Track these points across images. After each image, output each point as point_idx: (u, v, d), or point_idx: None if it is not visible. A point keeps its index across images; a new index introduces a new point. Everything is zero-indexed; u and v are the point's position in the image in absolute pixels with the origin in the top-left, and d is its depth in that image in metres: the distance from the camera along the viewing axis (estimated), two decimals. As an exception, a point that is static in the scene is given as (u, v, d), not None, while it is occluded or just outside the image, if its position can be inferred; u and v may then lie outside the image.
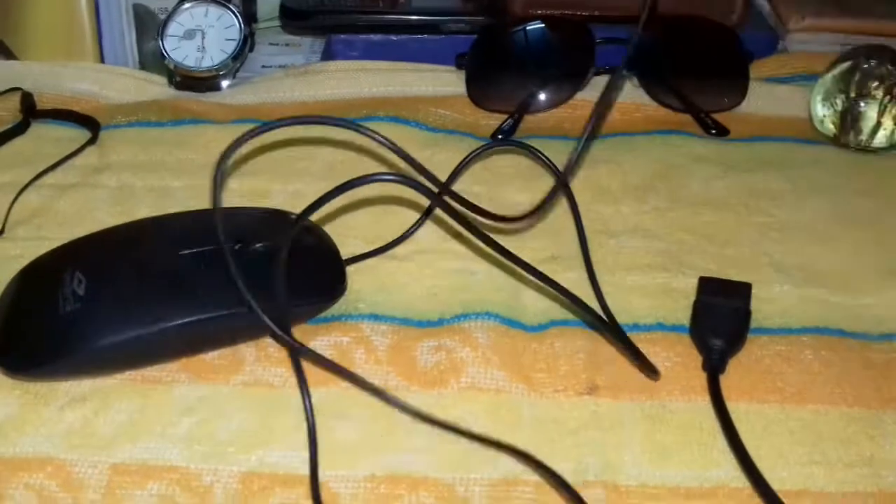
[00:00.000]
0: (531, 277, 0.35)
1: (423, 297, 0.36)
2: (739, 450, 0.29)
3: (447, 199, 0.31)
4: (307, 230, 0.36)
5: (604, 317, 0.34)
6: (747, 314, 0.34)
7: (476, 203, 0.41)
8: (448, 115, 0.48)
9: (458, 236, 0.39)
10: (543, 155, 0.40)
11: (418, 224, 0.39)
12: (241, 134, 0.17)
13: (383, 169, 0.43)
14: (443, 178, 0.41)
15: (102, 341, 0.30)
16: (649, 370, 0.32)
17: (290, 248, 0.31)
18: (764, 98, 0.49)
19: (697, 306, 0.34)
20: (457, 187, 0.42)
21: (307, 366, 0.32)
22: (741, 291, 0.34)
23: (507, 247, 0.38)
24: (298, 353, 0.15)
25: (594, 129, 0.29)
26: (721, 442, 0.30)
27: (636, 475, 0.29)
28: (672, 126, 0.47)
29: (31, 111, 0.47)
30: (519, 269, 0.32)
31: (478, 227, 0.31)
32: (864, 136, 0.46)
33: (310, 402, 0.30)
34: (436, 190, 0.30)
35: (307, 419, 0.30)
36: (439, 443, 0.30)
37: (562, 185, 0.27)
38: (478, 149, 0.41)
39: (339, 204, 0.40)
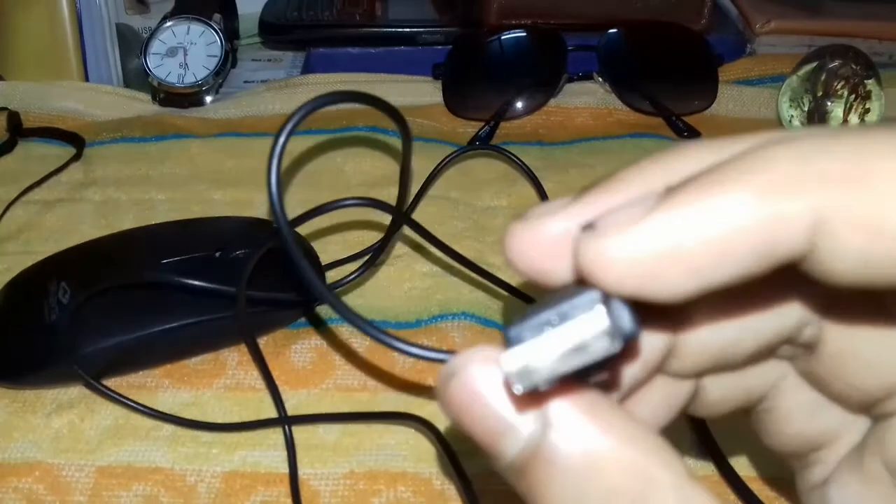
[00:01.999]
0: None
1: (400, 300, 0.37)
2: (705, 436, 0.30)
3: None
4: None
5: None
6: None
7: (453, 208, 0.42)
8: (426, 124, 0.49)
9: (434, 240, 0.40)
10: (516, 157, 0.41)
11: (384, 241, 0.40)
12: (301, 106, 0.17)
13: (361, 178, 0.45)
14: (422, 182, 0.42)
15: (87, 349, 0.31)
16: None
17: (267, 254, 0.32)
18: (733, 100, 0.50)
19: None
20: (434, 192, 0.43)
21: (287, 367, 0.33)
22: None
23: (483, 250, 0.40)
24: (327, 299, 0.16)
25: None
26: (688, 430, 0.31)
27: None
28: (644, 130, 0.48)
29: (17, 130, 0.48)
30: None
31: (442, 241, 0.32)
32: (831, 135, 0.47)
33: (281, 401, 0.31)
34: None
35: (275, 402, 0.31)
36: (416, 439, 0.31)
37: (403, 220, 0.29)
38: (449, 155, 0.42)
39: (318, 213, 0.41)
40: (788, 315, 0.15)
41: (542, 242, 0.14)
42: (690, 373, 0.16)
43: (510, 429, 0.13)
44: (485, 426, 0.13)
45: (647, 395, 0.16)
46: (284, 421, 0.31)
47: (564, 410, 0.12)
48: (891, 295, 0.14)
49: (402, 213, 0.33)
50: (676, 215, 0.12)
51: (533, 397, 0.13)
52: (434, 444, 0.30)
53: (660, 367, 0.16)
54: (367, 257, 0.37)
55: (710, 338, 0.15)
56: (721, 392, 0.17)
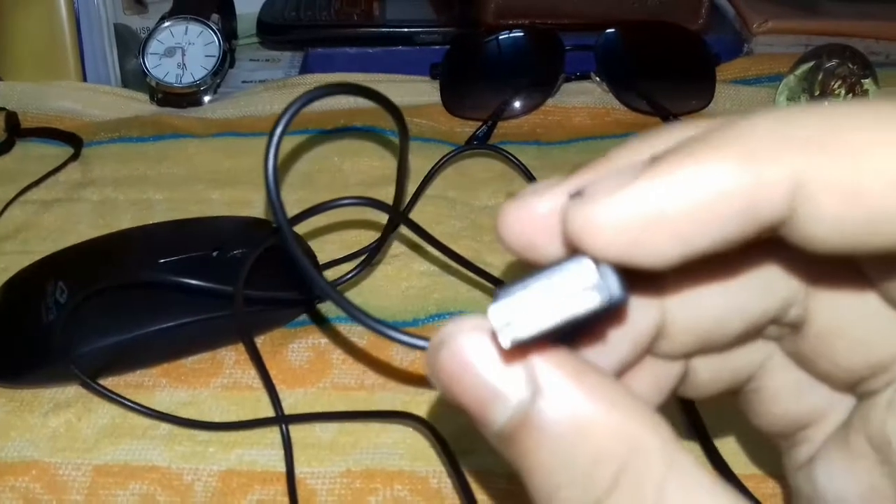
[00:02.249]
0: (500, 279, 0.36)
1: (398, 299, 0.37)
2: (701, 433, 0.30)
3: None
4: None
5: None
6: None
7: (450, 208, 0.42)
8: (424, 123, 0.49)
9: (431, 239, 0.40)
10: (513, 156, 0.41)
11: (381, 241, 0.40)
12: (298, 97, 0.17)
13: (359, 178, 0.45)
14: (420, 182, 0.42)
15: (84, 348, 0.31)
16: None
17: (265, 253, 0.32)
18: (731, 100, 0.50)
19: None
20: (432, 192, 0.43)
21: (284, 366, 0.33)
22: None
23: (480, 249, 0.40)
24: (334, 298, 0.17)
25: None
26: (683, 427, 0.31)
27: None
28: (641, 129, 0.48)
29: (15, 130, 0.48)
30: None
31: (439, 240, 0.32)
32: (828, 134, 0.47)
33: (278, 399, 0.32)
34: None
35: (272, 402, 0.31)
36: (413, 438, 0.31)
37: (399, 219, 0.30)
38: (447, 155, 0.42)
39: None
40: (774, 295, 0.15)
41: (533, 218, 0.14)
42: (679, 353, 0.16)
43: (499, 396, 0.13)
44: (474, 394, 0.13)
45: (637, 376, 0.17)
46: (281, 420, 0.31)
47: (552, 377, 0.13)
48: (869, 264, 0.14)
49: (399, 213, 0.33)
50: (661, 182, 0.12)
51: (521, 357, 0.13)
52: (432, 442, 0.30)
53: (649, 348, 0.16)
54: (364, 256, 0.37)
55: (697, 318, 0.15)
56: (710, 373, 0.17)
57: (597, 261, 0.13)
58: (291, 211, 0.33)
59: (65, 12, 0.51)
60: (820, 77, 0.47)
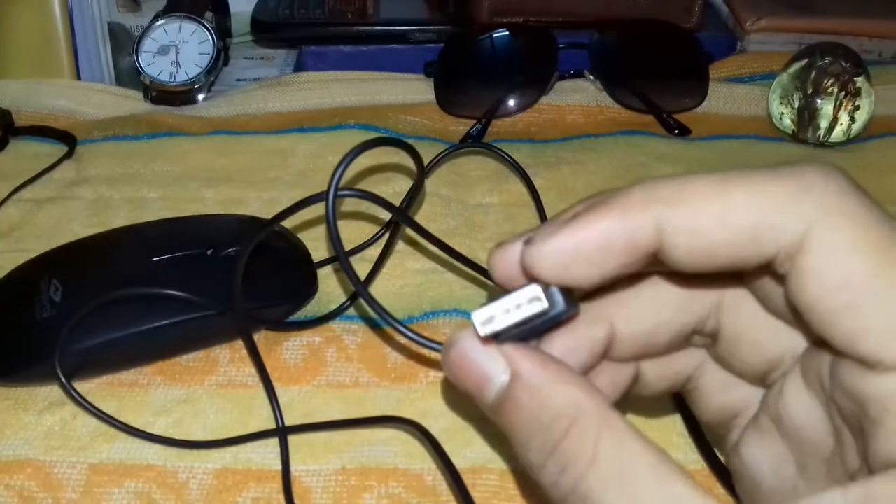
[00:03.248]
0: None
1: (393, 297, 0.37)
2: (696, 432, 0.30)
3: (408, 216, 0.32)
4: (280, 236, 0.37)
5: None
6: None
7: (445, 206, 0.42)
8: (418, 121, 0.49)
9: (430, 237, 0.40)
10: (506, 154, 0.42)
11: (378, 235, 0.40)
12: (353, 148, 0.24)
13: (356, 177, 0.45)
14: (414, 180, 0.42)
15: (78, 346, 0.31)
16: None
17: (260, 251, 0.32)
18: (724, 98, 0.50)
19: None
20: (426, 190, 0.43)
21: (279, 364, 0.33)
22: None
23: (475, 247, 0.40)
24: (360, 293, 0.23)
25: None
26: (679, 425, 0.31)
27: (598, 460, 0.30)
28: (635, 127, 0.48)
29: (9, 128, 0.48)
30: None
31: (437, 237, 0.32)
32: (821, 132, 0.47)
33: (273, 392, 0.32)
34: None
35: (273, 410, 0.31)
36: (408, 435, 0.31)
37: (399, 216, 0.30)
38: (441, 153, 0.43)
39: (311, 211, 0.41)
40: (690, 313, 0.21)
41: (507, 261, 0.20)
42: (627, 357, 0.22)
43: (489, 380, 0.19)
44: (473, 379, 0.19)
45: (599, 376, 0.22)
46: (282, 432, 0.31)
47: (523, 364, 0.19)
48: (750, 283, 0.20)
49: (398, 210, 0.33)
50: (576, 229, 0.18)
51: (496, 345, 0.19)
52: (425, 445, 0.30)
53: (604, 353, 0.22)
54: (380, 257, 0.37)
55: (635, 331, 0.21)
56: (655, 374, 0.23)
57: (546, 284, 0.19)
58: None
59: (58, 10, 0.51)
60: (813, 75, 0.47)
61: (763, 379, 0.21)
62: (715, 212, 0.17)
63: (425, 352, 0.34)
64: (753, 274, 0.19)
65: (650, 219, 0.18)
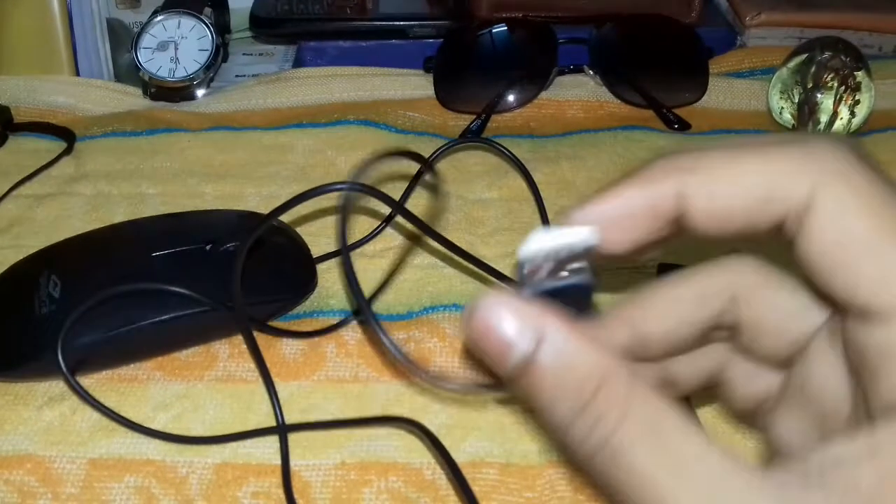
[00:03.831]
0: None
1: (392, 292, 0.37)
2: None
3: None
4: (279, 231, 0.37)
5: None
6: None
7: (445, 200, 0.42)
8: (417, 117, 0.49)
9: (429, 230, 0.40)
10: (505, 149, 0.41)
11: (380, 228, 0.40)
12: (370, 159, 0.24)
13: (352, 171, 0.45)
14: (413, 175, 0.42)
15: (78, 342, 0.31)
16: None
17: (259, 246, 0.32)
18: (724, 92, 0.50)
19: None
20: (426, 185, 0.43)
21: (278, 359, 0.33)
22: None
23: (474, 242, 0.40)
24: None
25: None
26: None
27: (598, 454, 0.30)
28: (635, 122, 0.48)
29: (8, 124, 0.48)
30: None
31: (437, 231, 0.32)
32: (821, 126, 0.47)
33: (274, 389, 0.32)
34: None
35: (274, 409, 0.31)
36: (407, 430, 0.31)
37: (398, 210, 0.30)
38: (440, 148, 0.42)
39: (310, 206, 0.42)
40: (708, 308, 0.22)
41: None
42: (654, 357, 0.23)
43: (511, 346, 0.19)
44: (495, 346, 0.19)
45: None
46: (282, 430, 0.31)
47: (551, 328, 0.19)
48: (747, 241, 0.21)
49: (398, 204, 0.33)
50: (606, 197, 0.20)
51: (528, 309, 0.19)
52: (425, 441, 0.30)
53: (630, 357, 0.23)
54: (361, 247, 0.37)
55: (658, 331, 0.23)
56: (683, 374, 0.24)
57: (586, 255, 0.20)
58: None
59: (57, 7, 0.51)
60: (813, 70, 0.47)
61: (786, 362, 0.22)
62: (730, 177, 0.19)
63: (424, 345, 0.34)
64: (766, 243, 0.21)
65: (671, 186, 0.19)
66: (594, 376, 0.18)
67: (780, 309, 0.22)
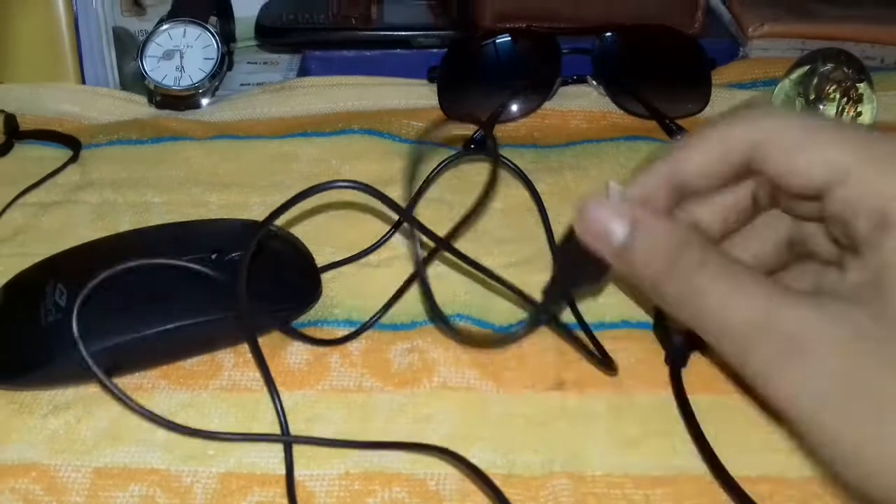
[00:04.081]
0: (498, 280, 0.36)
1: (398, 301, 0.37)
2: (699, 438, 0.30)
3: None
4: (282, 240, 0.37)
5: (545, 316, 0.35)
6: None
7: (449, 211, 0.42)
8: (421, 126, 0.49)
9: (429, 243, 0.40)
10: (510, 161, 0.42)
11: (387, 236, 0.40)
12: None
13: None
14: (417, 185, 0.42)
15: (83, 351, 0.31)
16: (606, 365, 0.33)
17: (259, 253, 0.32)
18: (726, 103, 0.50)
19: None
20: (431, 196, 0.43)
21: (283, 368, 0.33)
22: None
23: (478, 251, 0.40)
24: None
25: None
26: (682, 432, 0.31)
27: (601, 465, 0.30)
28: (638, 132, 0.48)
29: (13, 132, 0.49)
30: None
31: (442, 239, 0.32)
32: (823, 138, 0.47)
33: (280, 401, 0.32)
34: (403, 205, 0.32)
35: (279, 418, 0.31)
36: (412, 439, 0.31)
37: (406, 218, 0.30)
38: (445, 160, 0.43)
39: (314, 215, 0.42)
40: (734, 157, 0.26)
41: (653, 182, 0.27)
42: (700, 193, 0.27)
43: (611, 232, 0.25)
44: (599, 235, 0.25)
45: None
46: (287, 442, 0.31)
47: (640, 217, 0.25)
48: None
49: (404, 211, 0.33)
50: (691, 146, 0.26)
51: (624, 207, 0.25)
52: (459, 468, 0.30)
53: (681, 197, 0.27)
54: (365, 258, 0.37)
55: (697, 178, 0.26)
56: (730, 204, 0.28)
57: None
58: (290, 214, 0.33)
59: (63, 15, 0.51)
60: (815, 81, 0.47)
61: (818, 195, 0.25)
62: (795, 137, 0.24)
63: (429, 355, 0.34)
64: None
65: (745, 137, 0.25)
66: (678, 241, 0.24)
67: (797, 163, 0.24)
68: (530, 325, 0.34)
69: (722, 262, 0.24)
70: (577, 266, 0.28)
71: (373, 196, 0.30)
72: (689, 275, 0.24)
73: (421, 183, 0.42)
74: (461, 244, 0.40)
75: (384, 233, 0.40)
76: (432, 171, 0.42)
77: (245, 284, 0.30)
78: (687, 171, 0.26)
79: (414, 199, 0.41)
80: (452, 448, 0.30)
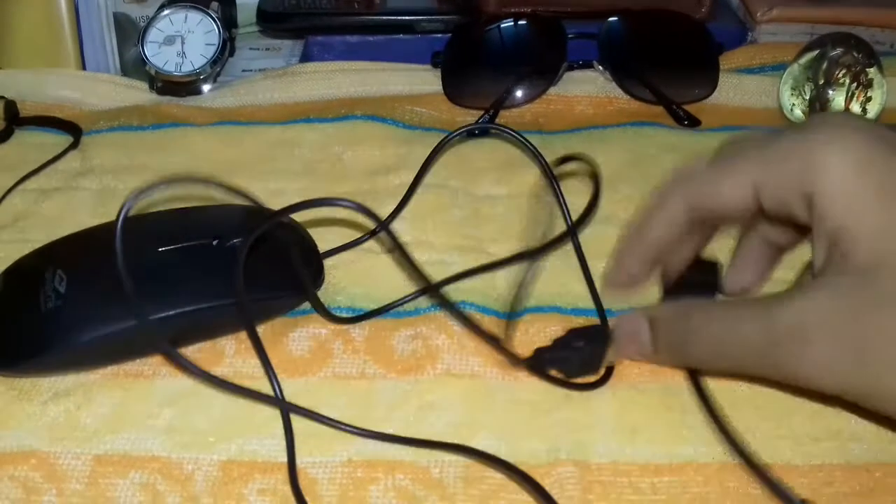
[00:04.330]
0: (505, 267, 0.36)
1: (399, 289, 0.36)
2: (718, 422, 0.30)
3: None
4: (286, 226, 0.37)
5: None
6: (714, 293, 0.34)
7: (453, 196, 0.42)
8: (424, 112, 0.48)
9: (434, 229, 0.40)
10: (518, 133, 0.41)
11: (360, 240, 0.39)
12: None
13: (359, 171, 0.44)
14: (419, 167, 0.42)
15: (83, 337, 0.31)
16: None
17: (265, 242, 0.32)
18: (734, 89, 0.50)
19: (667, 287, 0.35)
20: (433, 181, 0.43)
21: (284, 355, 0.33)
22: (709, 270, 0.35)
23: (483, 238, 0.40)
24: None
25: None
26: (690, 419, 0.31)
27: (607, 453, 0.30)
28: (644, 118, 0.48)
29: (14, 119, 0.48)
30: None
31: (413, 261, 0.32)
32: (832, 123, 0.46)
33: (280, 389, 0.31)
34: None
35: (280, 406, 0.31)
36: (416, 426, 0.31)
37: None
38: (449, 135, 0.42)
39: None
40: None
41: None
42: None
43: (645, 344, 0.31)
44: (634, 353, 0.32)
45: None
46: (285, 412, 0.30)
47: (657, 312, 0.32)
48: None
49: (382, 223, 0.32)
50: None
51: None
52: (438, 436, 0.30)
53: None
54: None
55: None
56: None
57: None
58: (291, 200, 0.33)
59: (64, 1, 0.51)
60: (824, 66, 0.47)
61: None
62: (796, 172, 0.26)
63: (432, 342, 0.34)
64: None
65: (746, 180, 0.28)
66: (682, 315, 0.30)
67: (722, 195, 0.28)
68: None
69: (709, 312, 0.29)
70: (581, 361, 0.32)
71: (360, 213, 0.30)
72: (680, 333, 0.30)
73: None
74: (465, 231, 0.39)
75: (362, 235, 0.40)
76: (433, 151, 0.42)
77: (242, 273, 0.30)
78: (652, 243, 0.31)
79: (410, 189, 0.41)
80: (457, 436, 0.30)
